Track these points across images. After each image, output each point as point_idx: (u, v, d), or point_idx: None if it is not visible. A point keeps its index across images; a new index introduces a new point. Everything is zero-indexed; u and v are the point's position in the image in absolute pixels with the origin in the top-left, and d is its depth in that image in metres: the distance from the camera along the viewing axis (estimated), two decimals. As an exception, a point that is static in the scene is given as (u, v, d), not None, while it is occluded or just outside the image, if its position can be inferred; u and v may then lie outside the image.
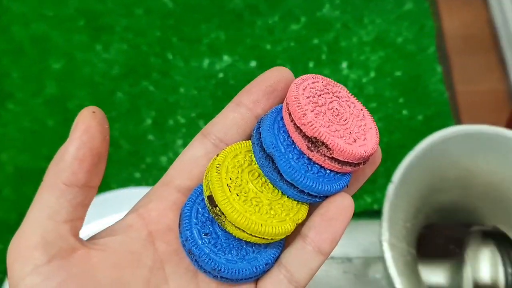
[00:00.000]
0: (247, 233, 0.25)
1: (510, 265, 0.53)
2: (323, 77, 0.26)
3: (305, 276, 0.26)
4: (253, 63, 0.80)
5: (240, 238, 0.26)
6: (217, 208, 0.26)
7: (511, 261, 0.53)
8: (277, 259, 0.27)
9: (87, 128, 0.25)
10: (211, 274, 0.26)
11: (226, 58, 0.80)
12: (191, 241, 0.26)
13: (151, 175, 0.72)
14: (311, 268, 0.26)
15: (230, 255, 0.26)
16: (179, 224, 0.27)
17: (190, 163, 0.29)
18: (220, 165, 0.26)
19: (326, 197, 0.26)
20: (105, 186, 0.71)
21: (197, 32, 0.82)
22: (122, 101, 0.77)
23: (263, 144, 0.26)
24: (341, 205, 0.26)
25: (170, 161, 0.72)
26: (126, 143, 0.74)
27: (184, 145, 0.74)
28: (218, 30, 0.82)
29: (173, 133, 0.75)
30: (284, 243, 0.28)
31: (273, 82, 0.28)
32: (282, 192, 0.27)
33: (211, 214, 0.26)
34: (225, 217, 0.25)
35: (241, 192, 0.26)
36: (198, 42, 0.81)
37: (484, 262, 0.55)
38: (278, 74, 0.28)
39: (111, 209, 0.68)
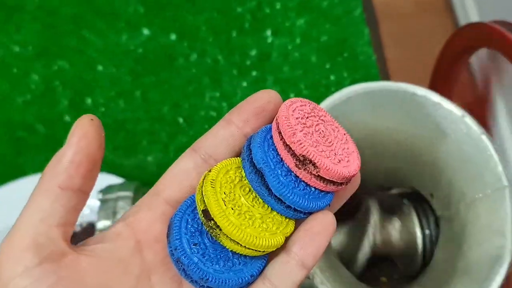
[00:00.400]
0: (241, 245, 0.26)
1: (427, 226, 0.51)
2: (310, 101, 0.28)
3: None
4: (173, 36, 0.76)
5: (233, 250, 0.27)
6: (212, 222, 0.26)
7: (428, 222, 0.51)
8: (261, 271, 0.28)
9: (85, 135, 0.26)
10: (198, 283, 0.27)
11: (145, 31, 0.77)
12: (180, 250, 0.27)
13: (68, 158, 0.69)
14: (295, 281, 0.27)
15: (217, 266, 0.27)
16: (168, 233, 0.28)
17: (180, 175, 0.29)
18: (214, 180, 0.27)
19: (310, 213, 0.27)
20: (20, 172, 0.68)
21: (113, 6, 0.78)
22: (36, 83, 0.73)
23: (253, 159, 0.26)
24: (324, 221, 0.27)
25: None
26: (41, 127, 0.71)
27: (103, 125, 0.71)
28: (136, 3, 0.78)
29: (91, 113, 0.71)
30: (268, 256, 0.28)
31: (263, 103, 0.29)
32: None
33: (204, 228, 0.27)
34: (220, 230, 0.26)
35: (235, 206, 0.27)
36: (115, 16, 0.77)
37: (401, 224, 0.53)
38: (267, 96, 0.29)
39: (28, 197, 0.65)
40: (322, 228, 0.27)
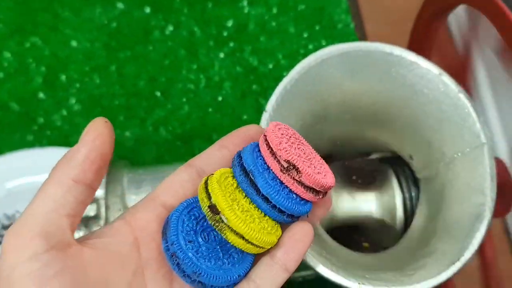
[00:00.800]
0: (244, 238, 0.29)
1: (407, 189, 0.51)
2: (289, 127, 0.32)
3: None
4: (147, 9, 0.75)
5: (234, 244, 0.29)
6: (218, 216, 0.29)
7: (408, 185, 0.51)
8: (247, 273, 0.31)
9: (99, 135, 0.28)
10: (190, 277, 0.29)
11: (119, 5, 0.75)
12: (176, 245, 0.29)
13: (44, 136, 0.68)
14: (277, 283, 0.30)
15: (209, 263, 0.29)
16: (165, 230, 0.30)
17: (175, 185, 0.32)
18: (218, 180, 0.30)
19: (292, 218, 0.30)
20: (-5, 151, 0.67)
21: (85, -19, 0.76)
22: (9, 61, 0.72)
23: (244, 164, 0.30)
24: (305, 229, 0.30)
25: (64, 120, 0.68)
26: (15, 105, 0.69)
27: (78, 102, 0.69)
28: (109, -23, 0.77)
29: (66, 90, 0.70)
30: (253, 260, 0.31)
31: (252, 133, 0.33)
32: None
33: (210, 222, 0.29)
34: (225, 224, 0.29)
35: (238, 205, 0.29)
36: (87, -9, 0.76)
37: (381, 189, 0.52)
38: (255, 129, 0.34)
39: (3, 175, 0.64)
40: (303, 235, 0.30)
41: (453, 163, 0.45)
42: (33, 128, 0.68)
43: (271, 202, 0.29)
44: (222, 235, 0.29)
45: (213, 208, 0.29)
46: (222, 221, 0.29)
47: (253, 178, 0.29)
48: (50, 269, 0.25)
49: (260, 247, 0.30)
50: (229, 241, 0.29)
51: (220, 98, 0.71)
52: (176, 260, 0.29)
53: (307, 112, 0.46)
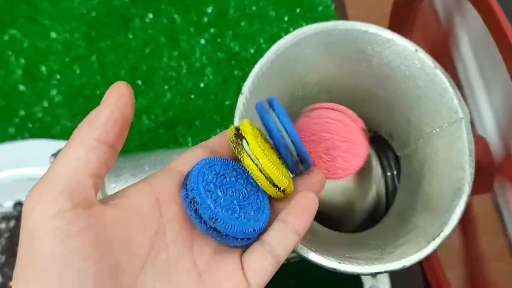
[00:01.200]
0: (261, 171, 0.32)
1: (389, 168, 0.51)
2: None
3: (285, 252, 0.32)
4: (127, -3, 0.74)
5: (251, 172, 0.32)
6: (242, 140, 0.32)
7: (390, 164, 0.51)
8: (259, 233, 0.32)
9: (121, 97, 0.29)
10: (206, 224, 0.30)
11: (97, -6, 0.74)
12: (196, 191, 0.30)
13: (26, 128, 0.67)
14: (290, 245, 0.32)
15: (226, 213, 0.30)
16: (185, 181, 0.31)
17: (191, 159, 0.33)
18: (250, 123, 0.33)
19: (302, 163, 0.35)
20: (-24, 146, 0.66)
21: (63, -29, 0.75)
22: (-12, 54, 0.71)
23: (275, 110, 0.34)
24: (311, 197, 0.33)
25: (46, 111, 0.67)
26: (-4, 98, 0.69)
27: (59, 93, 0.69)
28: (87, -34, 0.76)
29: (46, 81, 0.70)
30: (268, 221, 0.33)
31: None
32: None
33: (232, 146, 0.33)
34: (244, 149, 0.32)
35: (261, 142, 0.32)
36: (65, -19, 0.75)
37: (363, 169, 0.52)
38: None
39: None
40: (310, 202, 0.33)
41: (432, 139, 0.44)
42: (15, 120, 0.67)
43: (293, 154, 0.33)
44: (240, 158, 0.32)
45: (238, 134, 0.32)
46: (242, 147, 0.32)
47: (282, 124, 0.33)
48: (74, 226, 0.25)
49: (276, 186, 0.32)
50: (245, 166, 0.32)
51: (202, 85, 0.70)
52: (194, 205, 0.30)
53: (285, 93, 0.46)
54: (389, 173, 0.51)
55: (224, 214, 0.30)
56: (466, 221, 0.42)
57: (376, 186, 0.51)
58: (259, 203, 0.33)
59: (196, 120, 0.68)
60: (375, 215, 0.51)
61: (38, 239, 0.25)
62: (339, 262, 0.39)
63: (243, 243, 0.31)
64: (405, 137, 0.47)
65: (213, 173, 0.32)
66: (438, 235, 0.40)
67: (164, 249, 0.30)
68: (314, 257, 0.39)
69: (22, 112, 0.68)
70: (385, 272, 0.39)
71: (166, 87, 0.70)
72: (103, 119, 0.28)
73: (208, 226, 0.30)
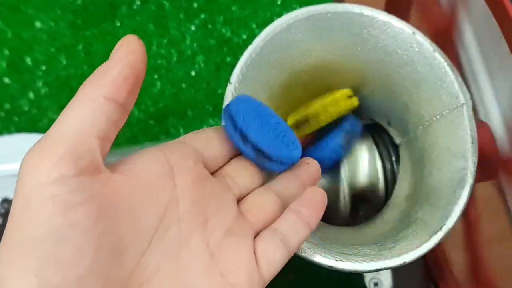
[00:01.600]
0: None
1: (388, 159, 0.48)
2: None
3: (297, 243, 0.30)
4: (113, -16, 0.72)
5: None
6: None
7: (389, 153, 0.49)
8: (292, 166, 0.34)
9: (133, 51, 0.25)
10: (249, 144, 0.30)
11: (83, -19, 0.72)
12: (241, 113, 0.30)
13: (12, 122, 0.65)
14: (302, 237, 0.30)
15: (271, 136, 0.31)
16: (226, 109, 0.31)
17: (204, 137, 0.31)
18: None
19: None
20: (-39, 141, 0.64)
21: (46, -43, 0.73)
22: (-29, 46, 0.69)
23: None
24: (320, 192, 0.32)
25: (32, 104, 0.65)
26: (-20, 91, 0.66)
27: (46, 84, 0.67)
28: (71, -48, 0.73)
29: (32, 73, 0.67)
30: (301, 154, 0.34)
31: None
32: None
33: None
34: None
35: None
36: (49, -32, 0.72)
37: (361, 158, 0.50)
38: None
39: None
40: (319, 197, 0.32)
41: (432, 126, 0.42)
42: (0, 114, 0.65)
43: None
44: None
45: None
46: None
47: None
48: (77, 195, 0.23)
49: None
50: None
51: (193, 73, 0.68)
52: (239, 128, 0.30)
53: (275, 81, 0.44)
54: (388, 163, 0.48)
55: (268, 135, 0.31)
56: (468, 206, 0.40)
57: (376, 175, 0.48)
58: (293, 138, 0.34)
59: (188, 110, 0.66)
60: (374, 205, 0.49)
61: (34, 206, 0.22)
62: (336, 260, 0.37)
63: (283, 168, 0.33)
64: (403, 124, 0.45)
65: (250, 105, 0.32)
66: (440, 228, 0.38)
67: (175, 223, 0.27)
68: (311, 255, 0.37)
69: (7, 106, 0.66)
70: (385, 269, 0.37)
71: (156, 76, 0.67)
72: (113, 75, 0.25)
73: (251, 146, 0.30)
